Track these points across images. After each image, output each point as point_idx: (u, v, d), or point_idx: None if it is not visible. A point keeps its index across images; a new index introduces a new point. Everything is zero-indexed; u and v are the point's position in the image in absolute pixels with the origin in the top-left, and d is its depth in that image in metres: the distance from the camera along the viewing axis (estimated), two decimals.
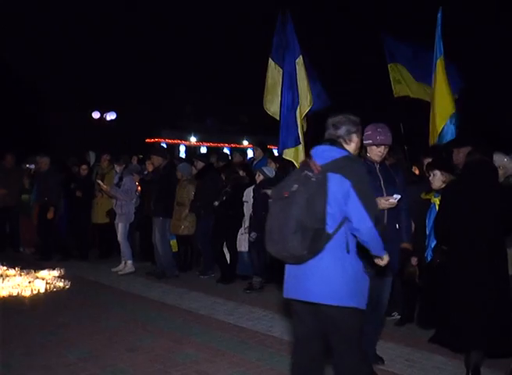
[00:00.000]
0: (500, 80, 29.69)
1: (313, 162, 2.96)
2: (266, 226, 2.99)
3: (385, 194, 4.05)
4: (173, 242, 8.13)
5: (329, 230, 2.85)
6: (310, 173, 2.89)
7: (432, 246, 4.68)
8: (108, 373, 4.12)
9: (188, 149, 38.21)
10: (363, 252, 3.01)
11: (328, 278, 2.87)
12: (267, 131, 15.61)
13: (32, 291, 6.76)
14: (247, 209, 7.22)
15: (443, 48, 6.66)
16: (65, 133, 31.86)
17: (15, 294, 6.63)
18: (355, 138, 3.19)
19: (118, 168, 8.59)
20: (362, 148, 3.96)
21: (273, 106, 7.25)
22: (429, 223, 4.74)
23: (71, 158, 10.99)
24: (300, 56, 6.84)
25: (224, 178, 7.73)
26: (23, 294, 6.64)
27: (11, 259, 8.69)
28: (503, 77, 29.52)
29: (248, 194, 7.24)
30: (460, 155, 4.98)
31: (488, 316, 3.94)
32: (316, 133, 7.64)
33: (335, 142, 3.09)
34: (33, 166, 10.62)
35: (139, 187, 8.56)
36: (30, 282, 7.19)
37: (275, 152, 8.25)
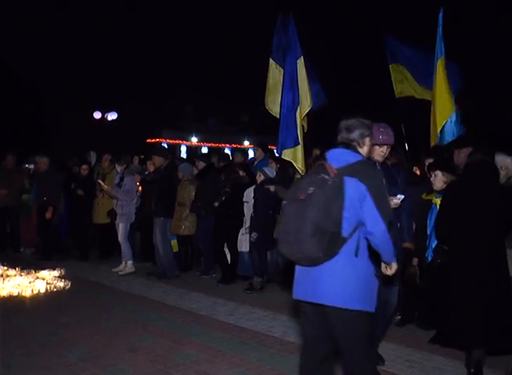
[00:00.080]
0: (500, 80, 29.69)
1: (329, 165, 2.96)
2: (280, 228, 3.00)
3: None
4: (174, 242, 8.12)
5: (345, 233, 2.85)
6: (326, 176, 2.89)
7: (433, 246, 4.67)
8: (109, 374, 4.11)
9: (189, 149, 38.28)
10: (374, 257, 3.02)
11: (341, 281, 2.88)
12: (268, 131, 15.64)
13: (32, 291, 6.76)
14: (248, 210, 7.21)
15: (444, 49, 6.66)
16: (66, 133, 31.91)
17: (15, 294, 6.62)
18: (368, 142, 3.19)
19: (119, 168, 8.58)
20: None
21: (276, 106, 7.24)
22: (430, 223, 4.74)
23: (72, 159, 11.01)
24: (301, 57, 6.84)
25: (223, 178, 7.73)
26: (24, 294, 6.63)
27: (11, 259, 8.69)
28: (503, 77, 29.53)
29: (249, 195, 7.24)
30: (460, 156, 4.97)
31: (488, 316, 3.94)
32: (314, 134, 7.68)
33: (349, 146, 3.09)
34: (32, 166, 10.62)
35: (140, 188, 8.56)
36: (30, 282, 7.19)
37: (276, 152, 8.25)
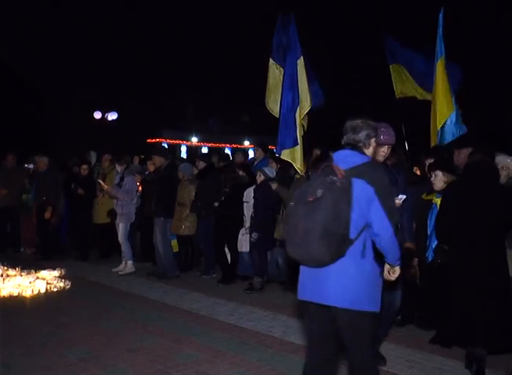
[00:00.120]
0: (500, 80, 29.67)
1: (336, 167, 2.95)
2: (287, 229, 2.99)
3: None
4: (174, 242, 8.13)
5: (352, 235, 2.85)
6: (335, 178, 2.88)
7: (433, 246, 4.68)
8: (109, 374, 4.11)
9: (189, 149, 38.27)
10: (379, 259, 3.02)
11: (347, 283, 2.88)
12: (268, 131, 15.62)
13: (32, 291, 6.76)
14: (248, 210, 7.21)
15: (444, 49, 6.66)
16: (66, 133, 31.93)
17: (15, 294, 6.63)
18: (373, 143, 3.19)
19: (119, 168, 8.58)
20: None
21: (276, 106, 7.24)
22: (430, 223, 4.74)
23: (73, 159, 11.01)
24: (301, 57, 6.84)
25: (223, 178, 7.73)
26: (24, 294, 6.63)
27: (11, 259, 8.69)
28: (503, 77, 29.50)
29: (249, 195, 7.24)
30: (460, 156, 4.98)
31: (488, 316, 3.94)
32: (314, 134, 7.68)
33: (356, 147, 3.10)
34: (31, 166, 10.62)
35: (140, 188, 8.56)
36: (30, 282, 7.19)
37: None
